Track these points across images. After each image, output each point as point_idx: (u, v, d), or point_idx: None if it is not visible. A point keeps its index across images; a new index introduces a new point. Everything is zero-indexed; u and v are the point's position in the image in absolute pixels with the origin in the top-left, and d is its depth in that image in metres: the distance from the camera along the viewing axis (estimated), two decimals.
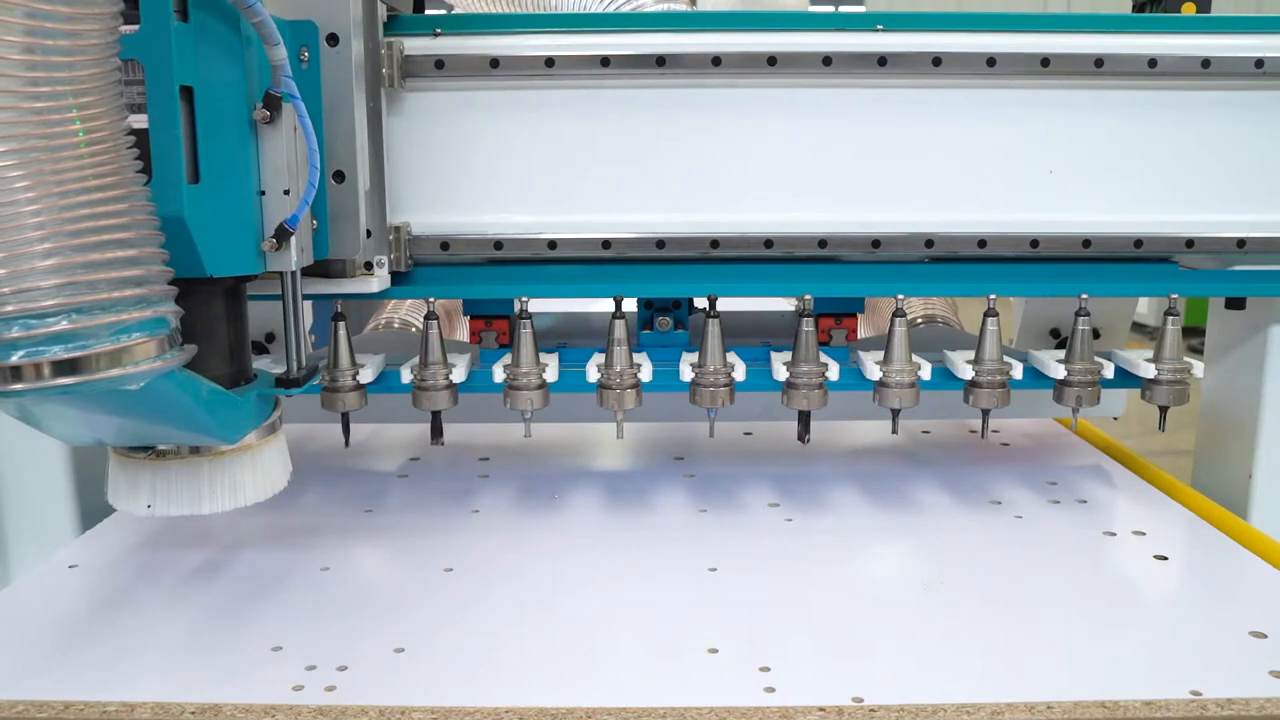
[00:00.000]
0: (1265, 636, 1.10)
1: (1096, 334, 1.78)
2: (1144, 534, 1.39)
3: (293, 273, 1.15)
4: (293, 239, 1.11)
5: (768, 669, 1.03)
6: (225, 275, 1.07)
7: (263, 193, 1.09)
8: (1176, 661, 1.05)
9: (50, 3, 0.83)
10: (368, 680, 1.03)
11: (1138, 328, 2.05)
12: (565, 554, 1.34)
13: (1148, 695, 0.97)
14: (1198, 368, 1.45)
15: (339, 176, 1.24)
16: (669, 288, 1.51)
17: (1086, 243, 1.43)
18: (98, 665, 1.07)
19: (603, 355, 1.43)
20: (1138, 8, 1.77)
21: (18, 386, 0.87)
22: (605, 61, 1.36)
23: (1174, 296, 1.43)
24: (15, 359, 0.86)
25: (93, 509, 1.62)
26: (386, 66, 1.32)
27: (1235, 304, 1.58)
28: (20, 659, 1.09)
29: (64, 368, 0.87)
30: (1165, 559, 1.31)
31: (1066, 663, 1.05)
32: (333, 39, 1.21)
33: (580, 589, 1.24)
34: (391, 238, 1.37)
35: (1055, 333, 1.84)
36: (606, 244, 1.41)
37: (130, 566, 1.33)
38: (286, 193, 1.10)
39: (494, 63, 1.35)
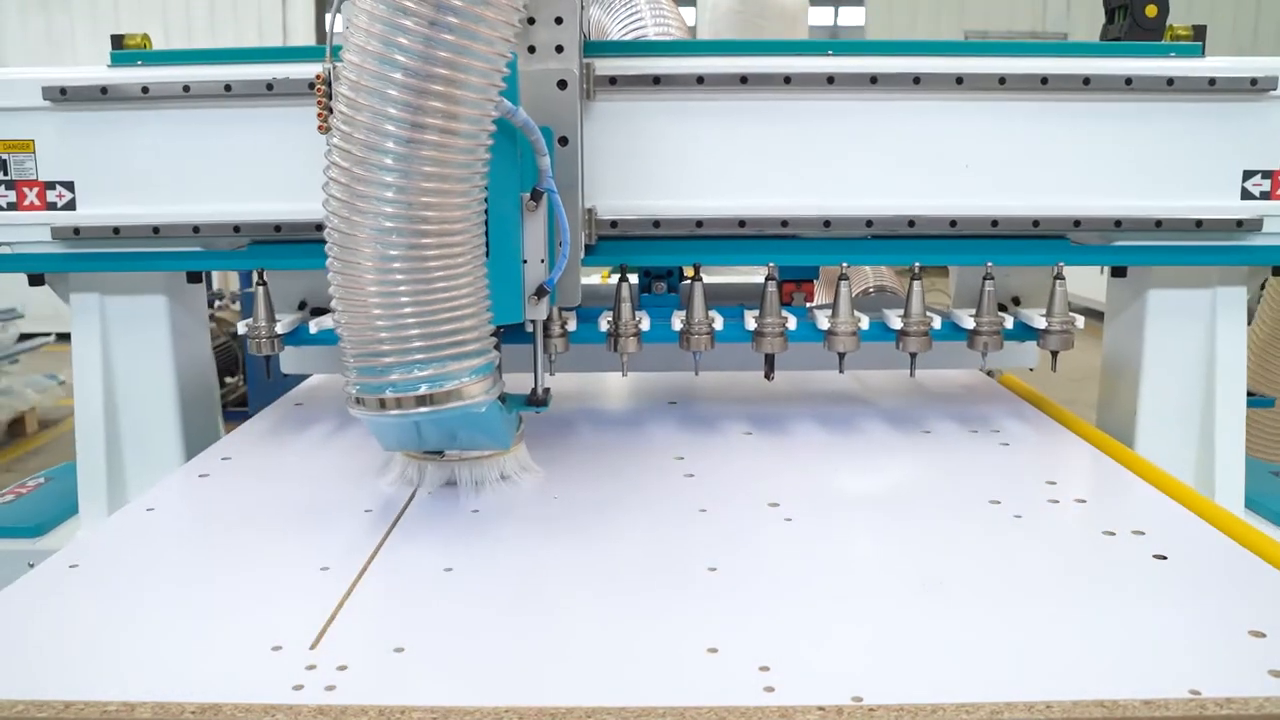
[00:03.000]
0: (1264, 636, 1.10)
1: (1018, 301, 2.15)
2: (1143, 533, 1.40)
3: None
4: (546, 296, 1.49)
5: (768, 669, 1.04)
6: (503, 324, 1.45)
7: (525, 261, 1.47)
8: (1175, 661, 1.06)
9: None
10: (368, 680, 1.04)
11: (1094, 314, 2.40)
12: (565, 554, 1.36)
13: (1147, 695, 0.97)
14: (1079, 320, 1.83)
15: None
16: (661, 258, 1.89)
17: (995, 222, 1.80)
18: (98, 665, 1.07)
19: (611, 312, 1.81)
20: (1109, 13, 2.03)
21: (396, 412, 1.31)
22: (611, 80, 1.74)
23: (1060, 265, 1.81)
24: (395, 393, 1.30)
25: (195, 440, 2.01)
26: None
27: (1118, 272, 1.96)
28: (20, 659, 1.09)
29: (430, 399, 1.30)
30: (1164, 558, 1.31)
31: (1066, 662, 1.05)
32: (564, 141, 1.59)
33: (580, 589, 1.26)
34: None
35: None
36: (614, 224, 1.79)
37: (130, 566, 1.34)
38: (542, 261, 1.48)
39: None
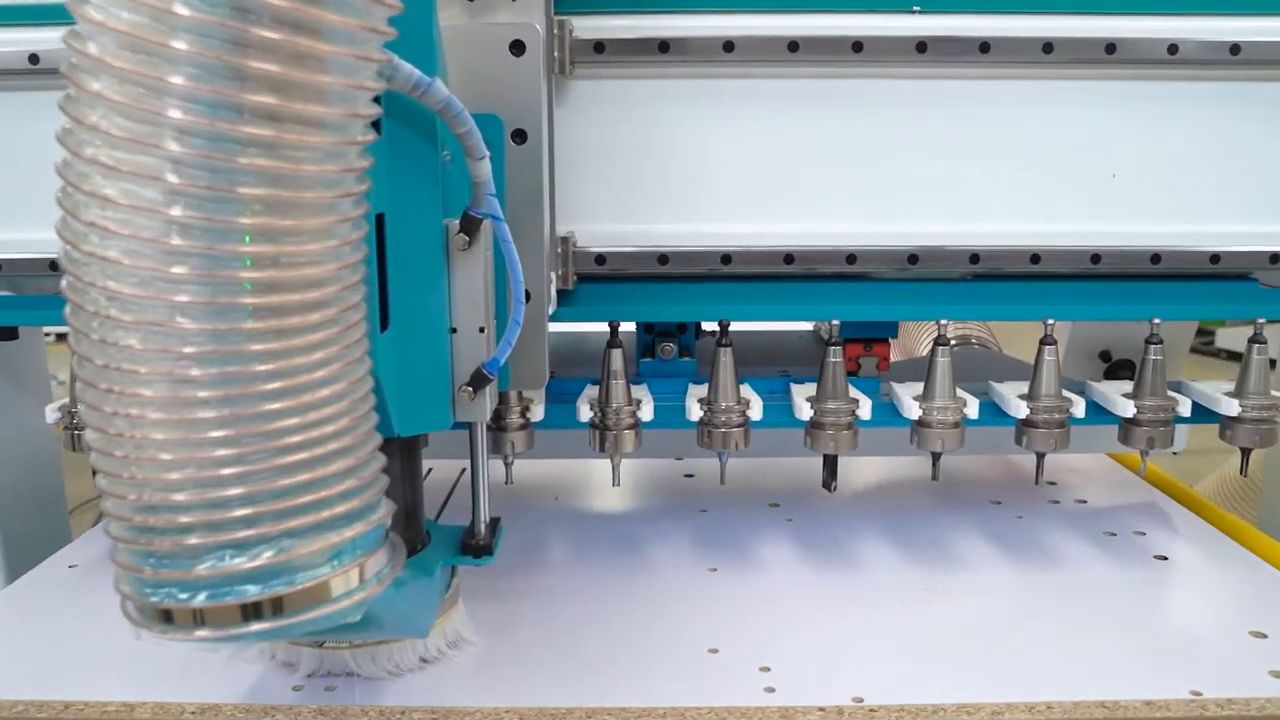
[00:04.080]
0: (1265, 636, 1.10)
1: (1106, 356, 1.60)
2: (1144, 534, 1.40)
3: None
4: (489, 385, 0.92)
5: (768, 669, 1.03)
6: (415, 434, 0.91)
7: (454, 330, 0.90)
8: (1176, 661, 1.05)
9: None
10: (368, 680, 1.02)
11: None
12: (565, 553, 1.34)
13: (1148, 695, 0.98)
14: None
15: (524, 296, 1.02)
16: (671, 310, 1.30)
17: (1155, 258, 1.24)
18: (98, 665, 1.06)
19: (595, 388, 1.23)
20: None
21: (203, 634, 0.68)
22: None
23: (1260, 321, 1.23)
24: (201, 601, 0.68)
25: (25, 551, 1.47)
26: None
27: None
28: (20, 659, 1.09)
29: (266, 609, 0.68)
30: (1165, 559, 1.31)
31: (1066, 663, 1.05)
32: (520, 135, 1.01)
33: (580, 589, 1.23)
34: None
35: (1105, 355, 1.65)
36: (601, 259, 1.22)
37: None
38: (481, 330, 0.91)
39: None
